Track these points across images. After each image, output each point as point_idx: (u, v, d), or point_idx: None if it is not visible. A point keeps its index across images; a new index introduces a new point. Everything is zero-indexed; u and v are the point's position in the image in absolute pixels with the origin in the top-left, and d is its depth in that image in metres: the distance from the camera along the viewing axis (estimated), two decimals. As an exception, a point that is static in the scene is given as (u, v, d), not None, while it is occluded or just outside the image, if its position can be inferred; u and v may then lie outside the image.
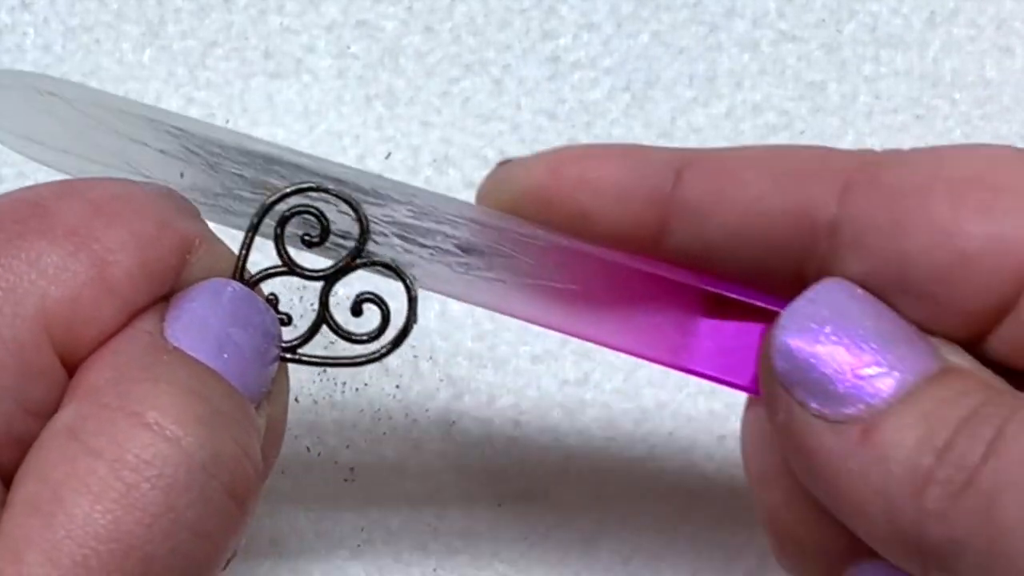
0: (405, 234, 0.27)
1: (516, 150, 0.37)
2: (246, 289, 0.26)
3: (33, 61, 0.38)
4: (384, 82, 0.38)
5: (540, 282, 0.27)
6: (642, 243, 0.26)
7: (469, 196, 0.37)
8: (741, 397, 0.36)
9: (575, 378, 0.36)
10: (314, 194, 0.26)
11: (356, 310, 0.27)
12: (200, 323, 0.25)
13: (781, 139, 0.38)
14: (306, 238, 0.27)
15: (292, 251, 0.27)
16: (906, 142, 0.38)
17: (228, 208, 0.27)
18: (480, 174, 0.37)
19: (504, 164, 0.28)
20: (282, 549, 0.35)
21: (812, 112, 0.38)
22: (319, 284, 0.27)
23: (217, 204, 0.27)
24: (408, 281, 0.27)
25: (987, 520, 0.22)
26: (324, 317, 0.27)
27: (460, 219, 0.27)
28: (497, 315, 0.37)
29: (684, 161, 0.26)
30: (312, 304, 0.28)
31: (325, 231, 0.26)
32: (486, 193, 0.28)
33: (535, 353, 0.36)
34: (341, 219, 0.27)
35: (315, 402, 0.36)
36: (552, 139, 0.37)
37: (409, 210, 0.27)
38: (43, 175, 0.37)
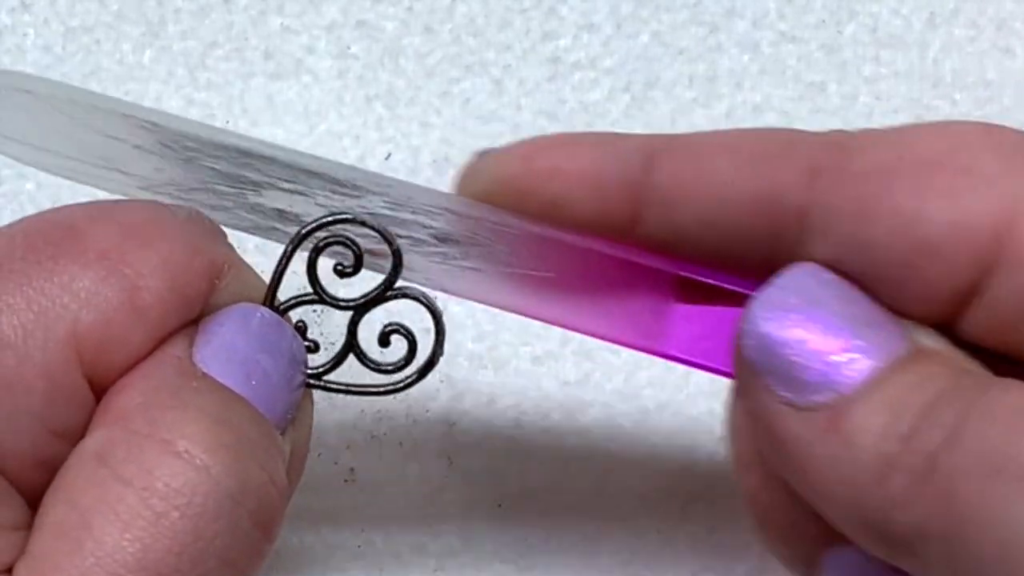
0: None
1: (516, 151, 0.37)
2: (275, 315, 0.26)
3: (33, 62, 0.38)
4: (384, 82, 0.38)
5: (516, 270, 0.27)
6: (616, 230, 0.26)
7: (469, 197, 0.37)
8: (741, 398, 0.36)
9: (576, 379, 0.36)
10: (348, 226, 0.26)
11: (383, 340, 0.27)
12: (229, 349, 0.25)
13: (781, 140, 0.38)
14: (339, 268, 0.27)
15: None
16: (906, 143, 0.38)
17: (205, 202, 0.27)
18: (480, 175, 0.37)
19: (481, 154, 0.28)
20: (282, 549, 0.35)
21: (812, 113, 0.38)
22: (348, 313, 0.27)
23: (193, 199, 0.27)
24: (437, 315, 0.27)
25: (948, 507, 0.21)
26: (351, 345, 0.27)
27: (436, 209, 0.27)
28: (498, 315, 0.37)
29: (655, 147, 0.26)
30: (337, 332, 0.28)
31: (359, 261, 0.26)
32: (463, 183, 0.28)
33: (536, 354, 0.36)
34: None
35: (315, 403, 0.35)
36: (552, 140, 0.38)
37: (385, 201, 0.27)
38: (44, 176, 0.37)
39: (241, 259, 0.26)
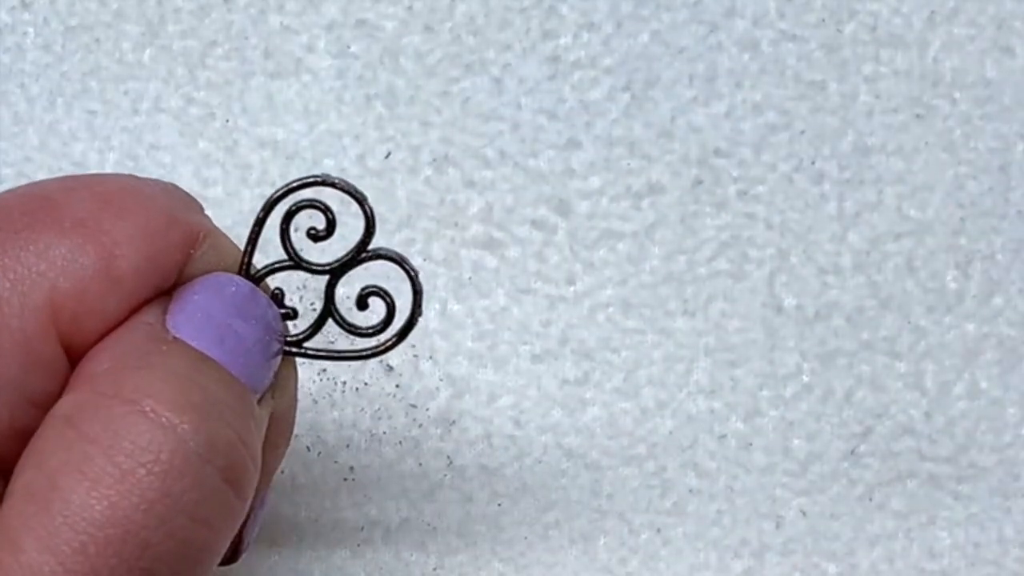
0: None
1: (516, 149, 0.37)
2: (249, 284, 0.26)
3: (33, 61, 0.38)
4: (384, 82, 0.38)
5: None
6: None
7: (469, 196, 0.37)
8: (742, 396, 0.37)
9: (575, 377, 0.36)
10: (319, 188, 0.26)
11: (361, 303, 0.27)
12: (202, 314, 0.25)
13: (781, 139, 0.38)
14: (312, 232, 0.26)
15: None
16: (906, 142, 0.38)
17: None
18: (480, 174, 0.37)
19: None
20: (282, 549, 0.35)
21: (812, 112, 0.38)
22: (325, 278, 0.27)
23: None
24: (413, 274, 0.27)
25: None
26: (330, 311, 0.27)
27: None
28: (497, 314, 0.37)
29: None
30: (316, 299, 0.28)
31: (331, 225, 0.26)
32: None
33: (535, 352, 0.36)
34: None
35: (315, 402, 0.36)
36: (552, 138, 0.37)
37: None
38: (44, 173, 0.37)
39: (217, 229, 0.26)
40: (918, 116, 0.38)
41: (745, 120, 0.38)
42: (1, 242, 0.24)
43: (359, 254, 0.27)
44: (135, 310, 0.25)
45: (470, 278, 0.37)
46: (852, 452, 0.37)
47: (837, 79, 0.38)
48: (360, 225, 0.26)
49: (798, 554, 0.36)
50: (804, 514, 0.36)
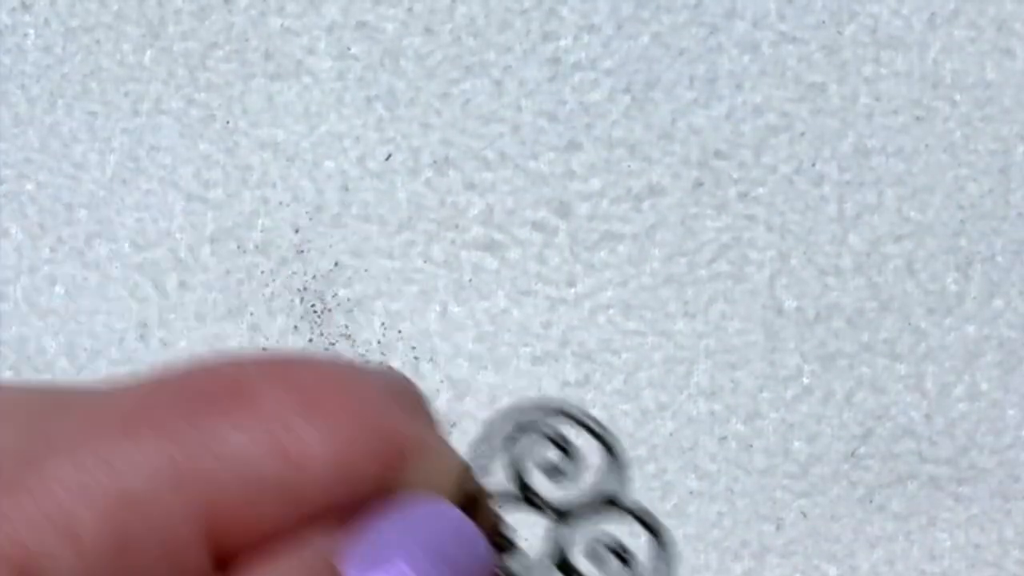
0: None
1: (517, 151, 0.37)
2: (460, 515, 0.22)
3: (34, 62, 0.38)
4: (384, 83, 0.38)
5: None
6: None
7: (469, 198, 0.37)
8: (742, 398, 0.37)
9: (576, 379, 0.36)
10: (557, 419, 0.22)
11: (595, 557, 0.22)
12: (383, 553, 0.21)
13: (781, 140, 0.38)
14: (549, 467, 0.22)
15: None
16: (906, 144, 0.38)
17: None
18: (481, 176, 0.37)
19: None
20: (282, 550, 0.35)
21: (812, 113, 0.38)
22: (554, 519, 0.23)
23: None
24: (661, 533, 0.22)
25: None
26: (564, 567, 0.23)
27: None
28: (498, 316, 0.37)
29: None
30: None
31: (571, 463, 0.22)
32: None
33: (536, 354, 0.36)
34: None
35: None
36: (553, 140, 0.38)
37: None
38: (44, 174, 0.37)
39: (438, 439, 0.23)
40: (918, 118, 0.38)
41: (745, 122, 0.38)
42: (173, 431, 0.22)
43: (602, 502, 0.23)
44: (312, 522, 0.22)
45: (471, 280, 0.37)
46: (852, 454, 0.37)
47: (837, 81, 0.38)
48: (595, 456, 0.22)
49: (798, 556, 0.36)
50: (804, 516, 0.36)
